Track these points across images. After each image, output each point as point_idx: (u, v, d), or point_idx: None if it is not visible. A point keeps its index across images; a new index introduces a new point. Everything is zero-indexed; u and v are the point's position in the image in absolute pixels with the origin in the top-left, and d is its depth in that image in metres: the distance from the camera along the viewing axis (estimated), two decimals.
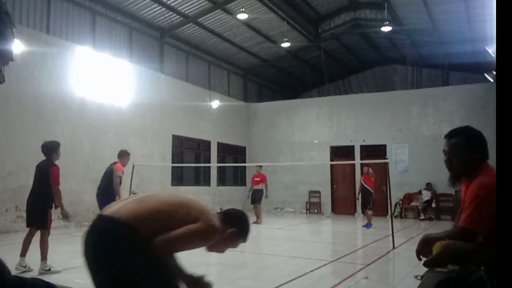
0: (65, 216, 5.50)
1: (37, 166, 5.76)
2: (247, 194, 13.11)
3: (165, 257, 2.04)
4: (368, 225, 11.37)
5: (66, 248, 7.02)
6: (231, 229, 2.25)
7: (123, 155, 7.79)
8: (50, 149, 5.65)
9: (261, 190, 12.29)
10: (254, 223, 12.00)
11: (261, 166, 12.97)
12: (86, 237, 1.99)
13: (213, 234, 2.14)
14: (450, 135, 2.35)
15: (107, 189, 7.26)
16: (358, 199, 11.94)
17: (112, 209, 2.07)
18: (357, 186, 15.97)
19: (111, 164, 7.69)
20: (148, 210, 2.03)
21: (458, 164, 2.28)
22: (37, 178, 5.62)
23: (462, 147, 2.26)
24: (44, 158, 5.84)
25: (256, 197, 12.28)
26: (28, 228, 5.64)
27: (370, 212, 11.35)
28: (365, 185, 11.43)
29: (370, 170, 11.55)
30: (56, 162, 5.92)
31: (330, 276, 5.70)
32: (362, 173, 12.09)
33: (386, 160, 9.38)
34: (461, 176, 2.32)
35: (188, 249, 2.11)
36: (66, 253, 6.67)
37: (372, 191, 11.33)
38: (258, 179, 12.41)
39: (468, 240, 2.13)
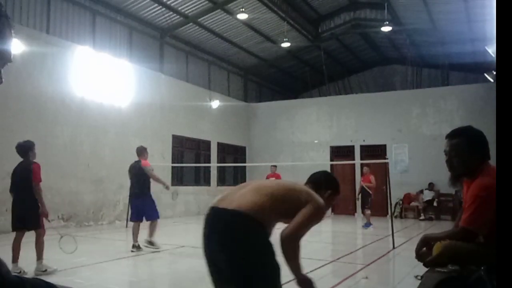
0: (45, 216, 5.42)
1: (16, 169, 5.54)
2: None
3: (295, 247, 2.17)
4: (367, 225, 11.39)
5: (66, 248, 7.00)
6: (326, 192, 2.43)
7: (144, 152, 7.55)
8: (27, 148, 5.57)
9: None
10: None
11: (275, 166, 13.02)
12: (211, 229, 2.16)
13: (324, 210, 2.31)
14: (451, 135, 2.35)
15: (143, 189, 7.16)
16: (358, 199, 11.97)
17: (230, 201, 2.20)
18: (357, 186, 16.06)
19: (135, 163, 7.43)
20: (265, 200, 2.17)
21: (459, 164, 2.27)
22: (18, 180, 5.43)
23: (463, 148, 2.26)
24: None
25: None
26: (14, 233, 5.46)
27: (368, 212, 11.39)
28: (364, 186, 11.47)
29: (366, 169, 11.65)
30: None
31: (330, 276, 5.70)
32: (362, 174, 12.10)
33: (386, 160, 9.38)
34: (461, 176, 2.32)
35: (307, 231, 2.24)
36: (66, 253, 6.66)
37: (371, 192, 11.35)
38: (273, 178, 12.52)
39: (468, 240, 2.13)
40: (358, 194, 11.84)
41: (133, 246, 6.96)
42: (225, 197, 2.28)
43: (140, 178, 7.19)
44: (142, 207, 7.08)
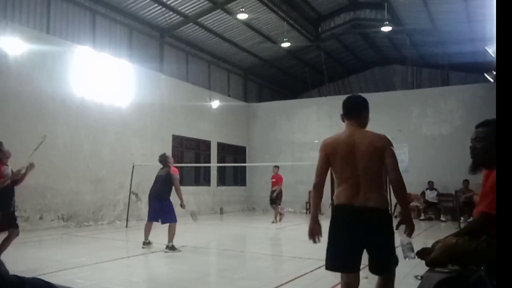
0: None
1: None
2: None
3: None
4: None
5: (66, 248, 7.02)
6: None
7: (168, 160, 7.52)
8: None
9: (279, 191, 12.56)
10: (272, 222, 12.14)
11: (278, 167, 13.07)
12: (362, 221, 2.86)
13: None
14: (479, 125, 2.43)
15: (165, 194, 7.22)
16: None
17: (365, 199, 2.85)
18: None
19: (161, 170, 7.48)
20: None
21: (481, 152, 2.34)
22: None
23: (488, 136, 2.32)
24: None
25: (274, 198, 12.57)
26: None
27: None
28: None
29: None
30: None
31: (330, 276, 5.68)
32: None
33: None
34: (481, 164, 2.37)
35: None
36: (66, 253, 6.67)
37: None
38: (274, 180, 12.71)
39: (489, 226, 2.13)
40: None
41: (144, 243, 7.22)
42: (359, 196, 2.99)
43: (166, 183, 7.25)
44: (160, 210, 7.16)
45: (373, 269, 3.04)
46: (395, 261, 3.03)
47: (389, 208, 3.15)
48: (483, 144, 2.33)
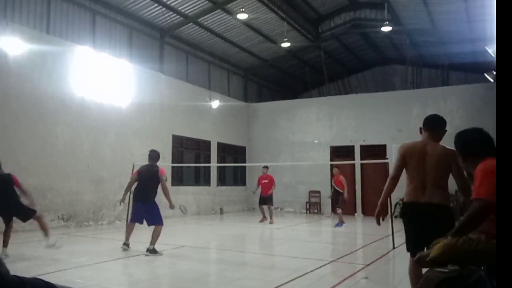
0: None
1: None
2: (252, 192, 13.04)
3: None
4: (338, 225, 11.60)
5: (66, 248, 7.01)
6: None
7: (158, 158, 7.30)
8: None
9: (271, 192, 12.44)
10: (270, 223, 12.10)
11: (267, 167, 12.97)
12: (423, 215, 3.48)
13: None
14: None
15: (152, 196, 6.93)
16: (329, 197, 12.22)
17: (430, 196, 3.48)
18: (357, 187, 16.06)
19: (150, 167, 7.13)
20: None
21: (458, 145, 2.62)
22: None
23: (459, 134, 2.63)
24: None
25: (267, 199, 12.43)
26: None
27: (339, 211, 11.60)
28: (335, 186, 11.68)
29: (336, 170, 11.84)
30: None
31: (330, 276, 5.70)
32: (332, 175, 12.30)
33: (386, 160, 9.40)
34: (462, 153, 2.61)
35: None
36: (66, 253, 6.67)
37: (342, 191, 11.49)
38: (266, 181, 12.50)
39: (483, 212, 2.16)
40: (331, 194, 12.01)
41: (124, 244, 7.00)
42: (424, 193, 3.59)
43: (152, 184, 6.97)
44: (145, 213, 6.90)
45: None
46: None
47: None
48: (456, 140, 2.59)
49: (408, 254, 3.57)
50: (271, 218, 12.27)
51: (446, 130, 3.85)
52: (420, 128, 3.86)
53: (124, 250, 6.92)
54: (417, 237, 3.48)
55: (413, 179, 3.58)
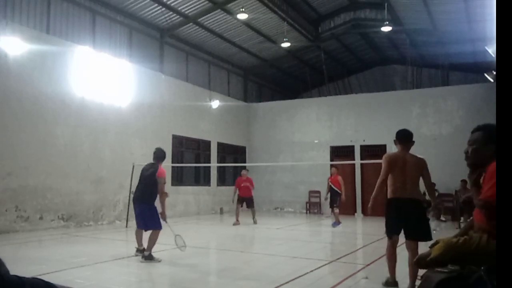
0: None
1: None
2: (233, 198, 12.24)
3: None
4: (335, 224, 11.59)
5: (66, 248, 7.01)
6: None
7: (163, 158, 6.89)
8: None
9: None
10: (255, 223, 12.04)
11: (247, 170, 12.69)
12: (405, 207, 4.57)
13: None
14: (473, 130, 2.54)
15: (149, 198, 6.43)
16: (326, 199, 12.11)
17: (411, 193, 4.59)
18: (357, 186, 16.06)
19: (151, 166, 6.77)
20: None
21: (473, 154, 2.46)
22: None
23: (479, 139, 2.44)
24: None
25: (248, 200, 12.18)
26: None
27: (336, 211, 11.59)
28: (332, 186, 11.63)
29: (334, 170, 11.82)
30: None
31: (330, 276, 5.70)
32: (330, 174, 12.18)
33: None
34: (473, 165, 2.48)
35: None
36: (66, 253, 6.67)
37: (339, 191, 11.47)
38: (247, 184, 12.10)
39: (491, 214, 2.12)
40: (327, 194, 11.95)
41: (137, 250, 6.63)
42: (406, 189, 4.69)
43: (150, 186, 6.50)
44: (143, 216, 6.45)
45: (409, 236, 4.60)
46: (428, 233, 4.49)
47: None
48: (474, 146, 2.44)
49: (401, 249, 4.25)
50: (254, 218, 12.08)
51: (414, 142, 4.87)
52: (394, 140, 4.86)
53: (137, 256, 6.51)
54: (397, 224, 4.61)
55: (396, 181, 4.61)
